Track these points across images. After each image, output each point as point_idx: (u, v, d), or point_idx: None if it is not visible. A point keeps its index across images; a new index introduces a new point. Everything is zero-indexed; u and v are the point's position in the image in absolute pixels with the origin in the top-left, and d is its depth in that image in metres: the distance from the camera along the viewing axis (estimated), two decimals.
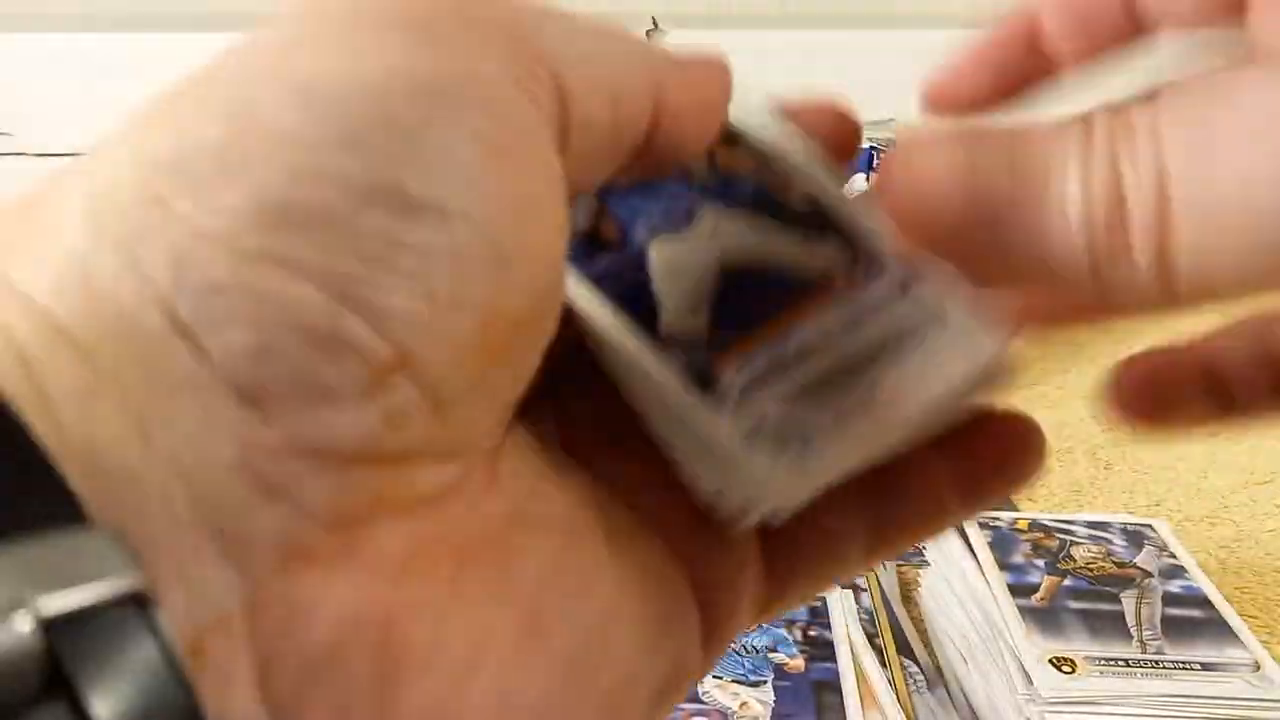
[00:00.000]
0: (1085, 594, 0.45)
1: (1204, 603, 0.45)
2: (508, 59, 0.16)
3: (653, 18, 0.76)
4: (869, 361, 0.20)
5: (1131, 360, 0.22)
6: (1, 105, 0.76)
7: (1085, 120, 0.17)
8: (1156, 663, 0.42)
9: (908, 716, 0.40)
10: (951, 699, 0.42)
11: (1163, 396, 0.22)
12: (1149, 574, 0.47)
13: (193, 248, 0.14)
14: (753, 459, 0.19)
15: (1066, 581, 0.46)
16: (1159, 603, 0.45)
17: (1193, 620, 0.45)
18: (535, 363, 0.17)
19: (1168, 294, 0.16)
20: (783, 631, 0.45)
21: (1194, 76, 0.16)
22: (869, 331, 0.20)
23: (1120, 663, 0.42)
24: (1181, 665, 0.42)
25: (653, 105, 0.18)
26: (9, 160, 0.78)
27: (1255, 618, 0.45)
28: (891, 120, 0.60)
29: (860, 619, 0.45)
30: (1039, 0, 0.23)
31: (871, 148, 0.56)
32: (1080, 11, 0.22)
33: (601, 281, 0.21)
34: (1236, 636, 0.44)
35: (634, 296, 0.21)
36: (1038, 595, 0.45)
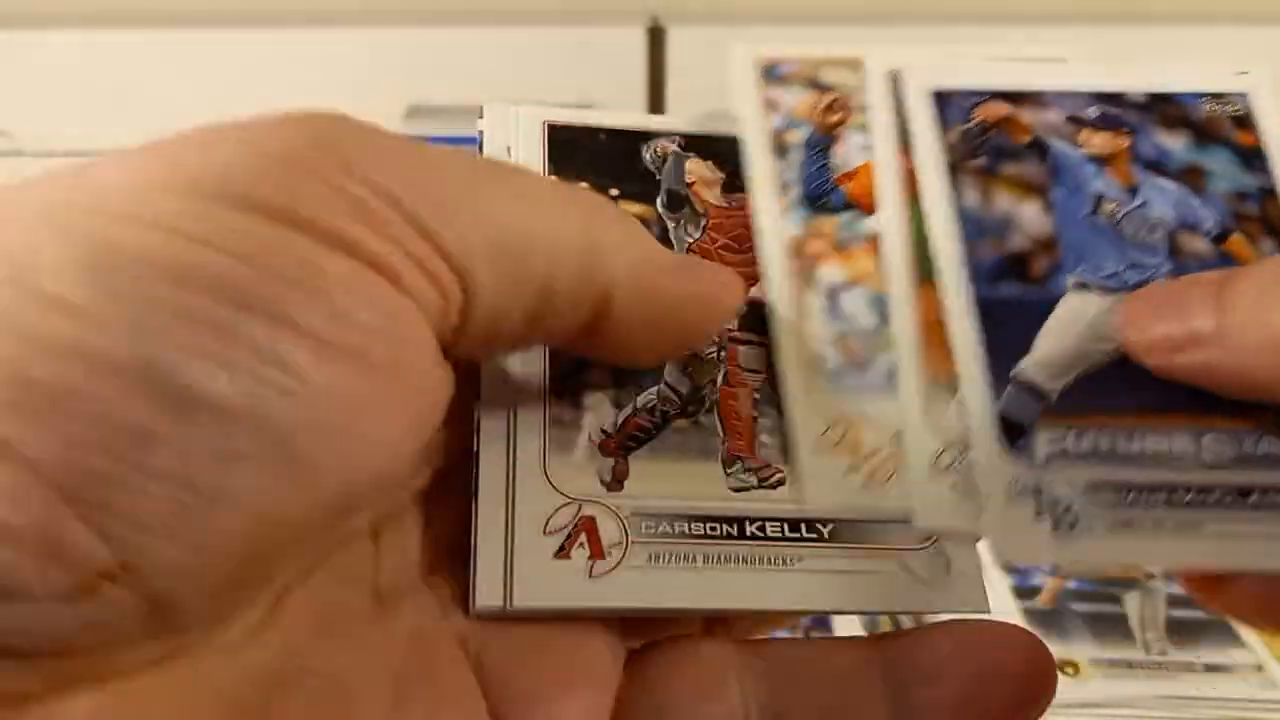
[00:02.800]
0: (1088, 596, 0.45)
1: None
2: (382, 238, 0.14)
3: (653, 16, 0.76)
4: (1211, 503, 0.19)
5: None
6: None
7: None
8: (1160, 664, 0.42)
9: None
10: None
11: None
12: (1152, 575, 0.47)
13: None
14: (1010, 514, 0.19)
15: (1069, 583, 0.46)
16: (1162, 604, 0.45)
17: (1196, 622, 0.45)
18: (330, 549, 0.16)
19: None
20: (785, 634, 0.44)
21: None
22: (1233, 477, 0.19)
23: (1124, 665, 0.42)
24: (1185, 667, 0.42)
25: (591, 308, 0.17)
26: (7, 160, 0.77)
27: None
28: None
29: (861, 620, 0.45)
30: None
31: None
32: None
33: (996, 307, 0.20)
34: (1240, 638, 0.44)
35: (1016, 330, 0.20)
36: (1041, 597, 0.45)
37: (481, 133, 0.22)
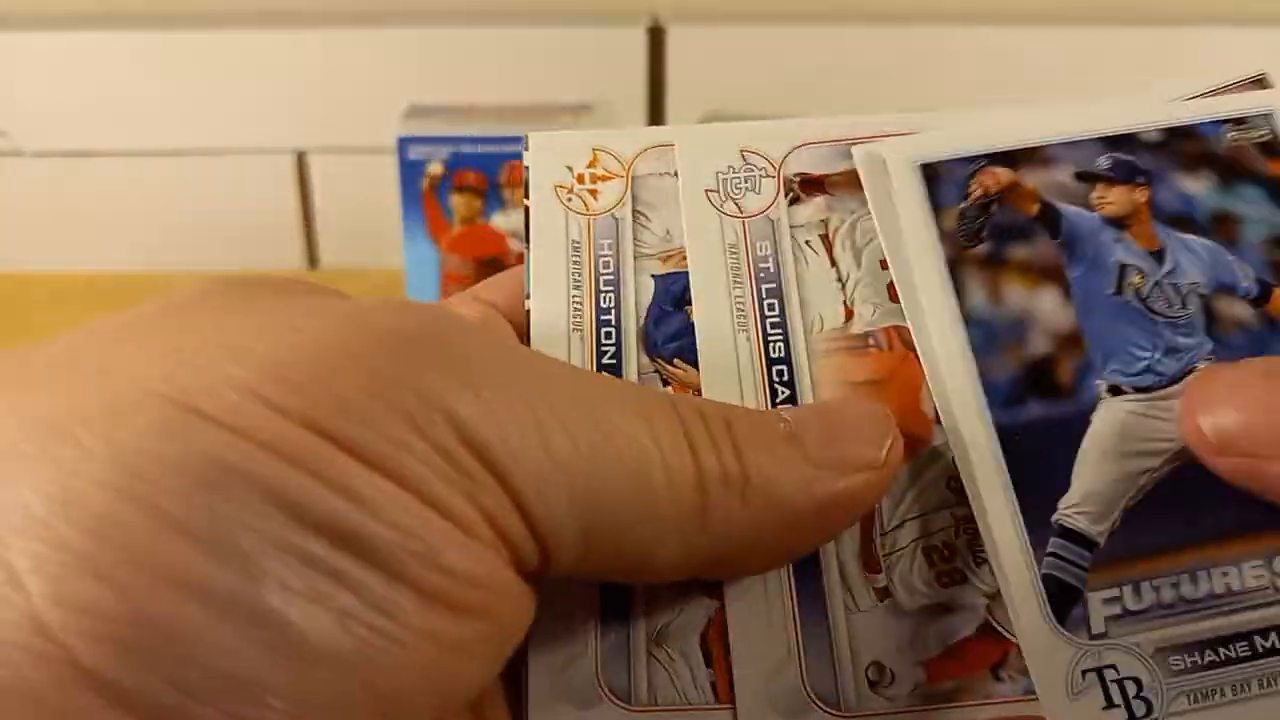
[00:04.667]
0: None
1: None
2: (465, 499, 0.14)
3: (653, 16, 0.76)
4: None
5: None
6: None
7: None
8: None
9: None
10: None
11: None
12: None
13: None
14: (1075, 705, 0.15)
15: None
16: None
17: None
18: None
19: None
20: None
21: None
22: None
23: None
24: None
25: (707, 559, 0.16)
26: (6, 159, 0.77)
27: None
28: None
29: None
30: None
31: None
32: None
33: (1021, 437, 0.17)
34: None
35: (1049, 462, 0.17)
36: None
37: (676, 170, 0.20)
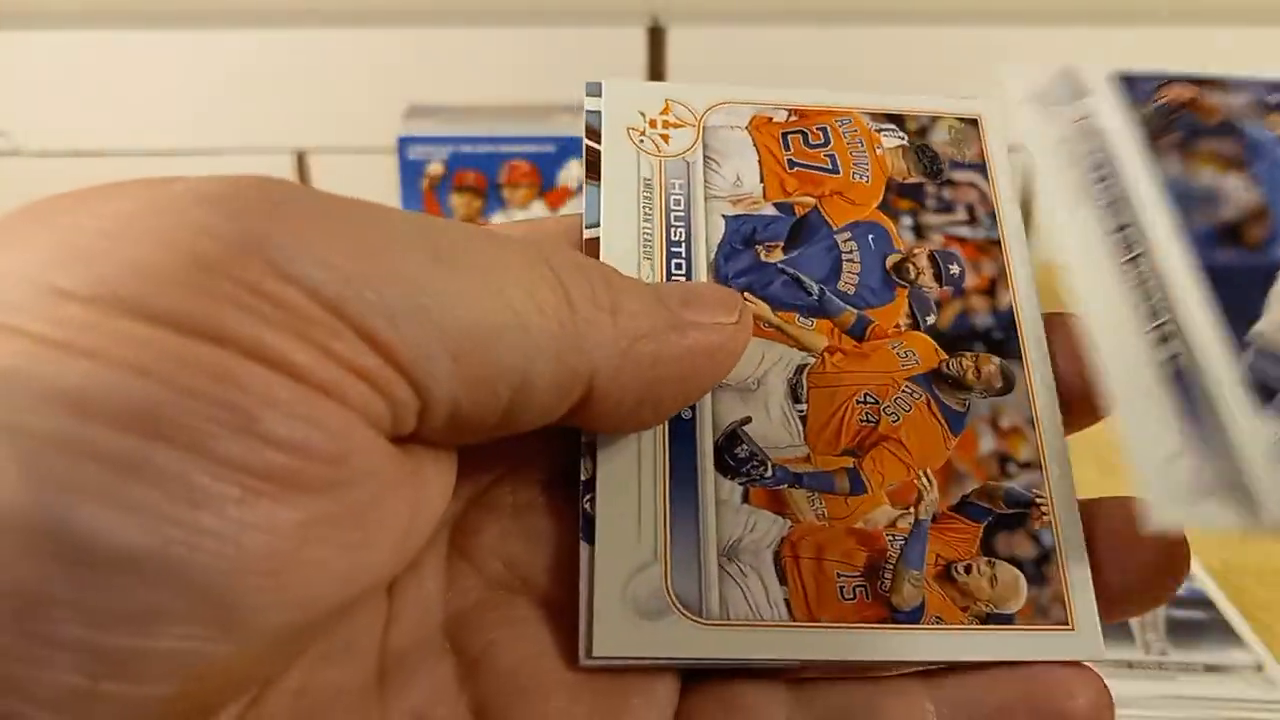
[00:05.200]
0: None
1: (1207, 604, 0.45)
2: (316, 350, 0.13)
3: (654, 14, 0.76)
4: None
5: None
6: None
7: None
8: (1160, 665, 0.42)
9: None
10: None
11: None
12: None
13: None
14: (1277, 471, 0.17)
15: None
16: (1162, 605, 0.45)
17: (1196, 622, 0.45)
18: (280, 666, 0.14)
19: None
20: None
21: None
22: None
23: (1124, 665, 0.42)
24: (1184, 667, 0.42)
25: (576, 392, 0.16)
26: (6, 159, 0.77)
27: (1258, 619, 0.45)
28: None
29: None
30: None
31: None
32: None
33: (1220, 273, 0.19)
34: (1239, 638, 0.44)
35: (1243, 295, 0.19)
36: None
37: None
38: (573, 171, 0.57)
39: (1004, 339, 0.20)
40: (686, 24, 0.75)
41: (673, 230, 0.20)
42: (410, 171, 0.60)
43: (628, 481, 0.18)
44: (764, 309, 0.20)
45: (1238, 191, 0.21)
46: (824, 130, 0.22)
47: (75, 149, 0.77)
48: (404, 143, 0.59)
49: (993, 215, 0.21)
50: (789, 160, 0.21)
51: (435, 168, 0.60)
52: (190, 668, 0.12)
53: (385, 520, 0.14)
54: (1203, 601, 0.45)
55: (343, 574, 0.14)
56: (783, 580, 0.18)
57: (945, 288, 0.20)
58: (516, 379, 0.15)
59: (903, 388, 0.19)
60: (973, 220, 0.21)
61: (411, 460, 0.15)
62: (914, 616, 0.18)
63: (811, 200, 0.21)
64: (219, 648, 0.12)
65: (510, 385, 0.15)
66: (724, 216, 0.20)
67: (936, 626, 0.18)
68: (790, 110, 0.22)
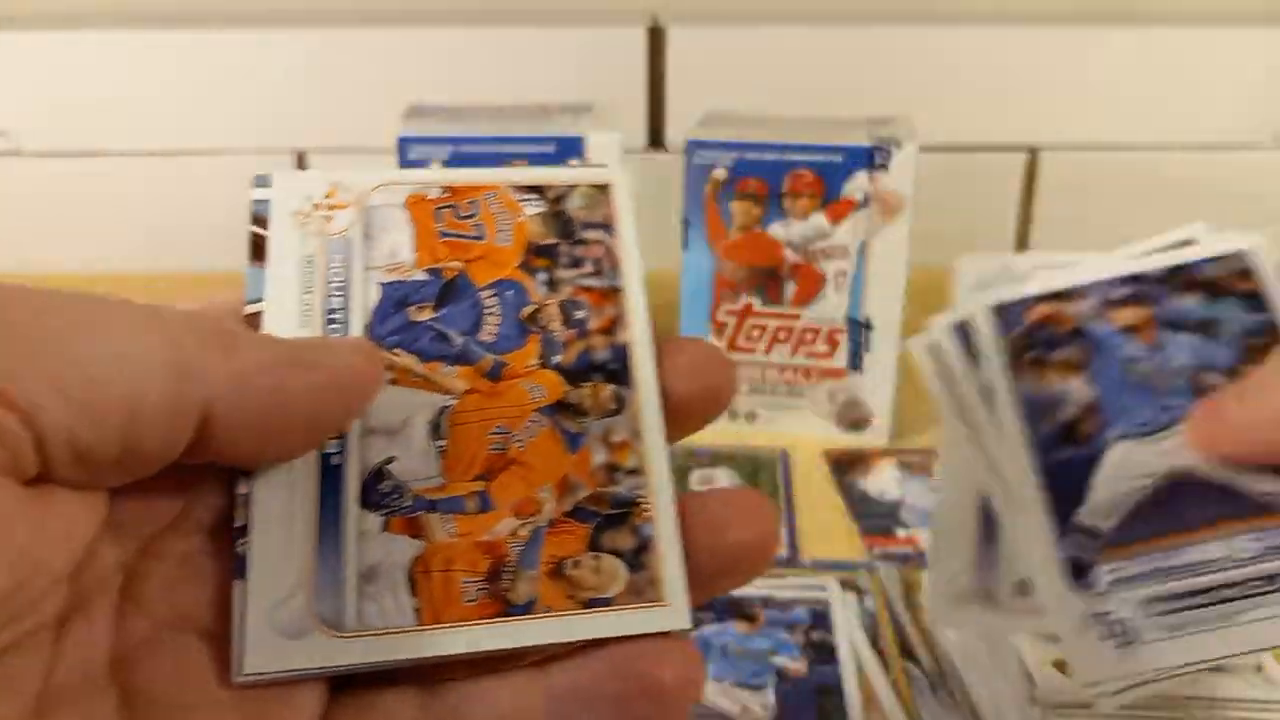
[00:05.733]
0: None
1: None
2: None
3: (653, 14, 0.76)
4: (1246, 595, 0.23)
5: None
6: None
7: None
8: None
9: (909, 718, 0.40)
10: (955, 702, 0.42)
11: None
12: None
13: None
14: (1082, 641, 0.23)
15: None
16: None
17: None
18: None
19: None
20: (784, 635, 0.44)
21: None
22: (1262, 568, 0.24)
23: None
24: (1183, 667, 0.42)
25: (192, 423, 0.17)
26: (6, 159, 0.77)
27: None
28: (893, 119, 0.59)
29: (862, 622, 0.45)
30: None
31: (873, 147, 0.56)
32: None
33: (1053, 469, 0.26)
34: None
35: (1068, 485, 0.26)
36: None
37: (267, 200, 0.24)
38: None
39: (619, 369, 0.23)
40: (686, 24, 0.75)
41: (332, 300, 0.23)
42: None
43: (278, 524, 0.20)
44: (412, 361, 0.22)
45: (1077, 392, 0.28)
46: (473, 203, 0.25)
47: (76, 149, 0.77)
48: (404, 142, 0.59)
49: (616, 266, 0.24)
50: (441, 231, 0.24)
51: (436, 168, 0.60)
52: None
53: (10, 551, 0.16)
54: None
55: None
56: (414, 592, 0.20)
57: (571, 330, 0.23)
58: (126, 408, 0.17)
59: (530, 418, 0.22)
60: (599, 272, 0.24)
61: (41, 497, 0.17)
62: (527, 609, 0.20)
63: (459, 265, 0.24)
64: None
65: (121, 414, 0.17)
66: (380, 284, 0.23)
67: (546, 615, 0.20)
68: (444, 188, 0.25)
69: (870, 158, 0.56)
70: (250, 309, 0.22)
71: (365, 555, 0.20)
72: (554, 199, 0.25)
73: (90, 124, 0.77)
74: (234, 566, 0.20)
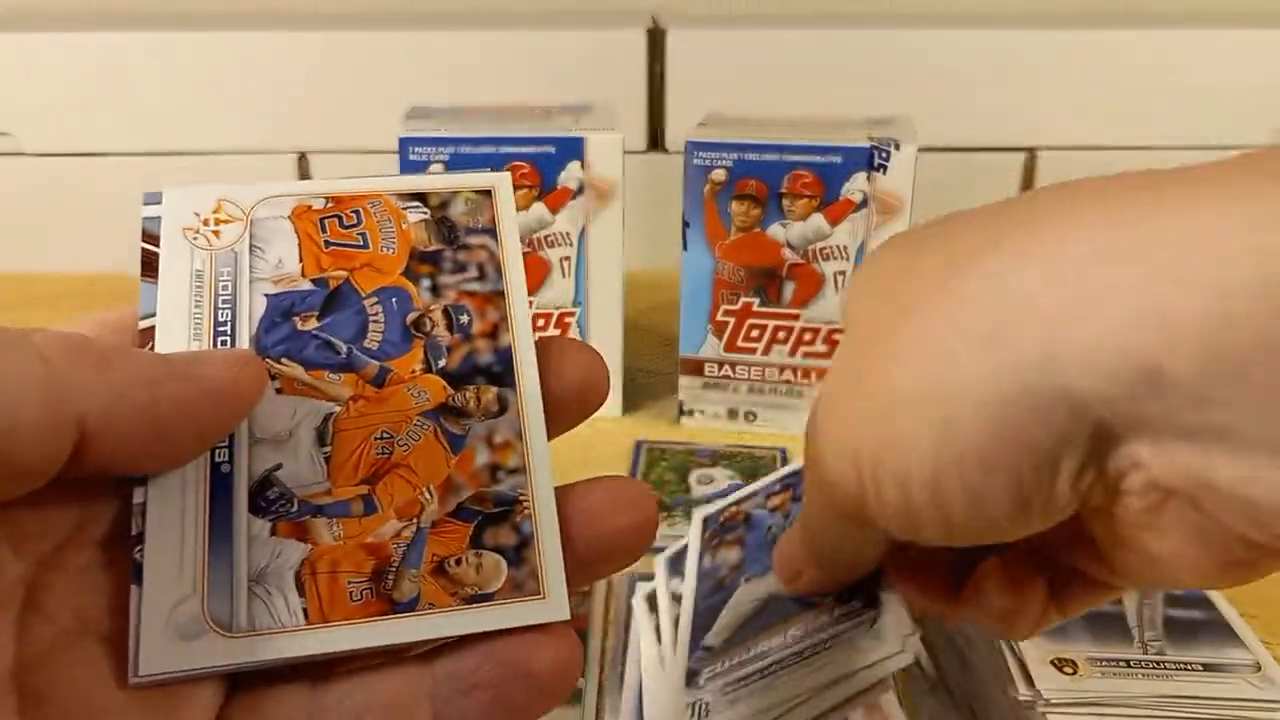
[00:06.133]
0: None
1: (1205, 603, 0.45)
2: None
3: (653, 16, 0.76)
4: (785, 668, 0.30)
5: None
6: (0, 104, 0.76)
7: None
8: (1158, 663, 0.42)
9: (909, 718, 0.40)
10: (953, 701, 0.42)
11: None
12: None
13: None
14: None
15: None
16: (1160, 603, 0.45)
17: (1194, 621, 0.45)
18: None
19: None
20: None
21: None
22: (800, 645, 0.31)
23: (1122, 663, 0.42)
24: (1183, 666, 0.42)
25: (69, 435, 0.18)
26: (8, 159, 0.77)
27: (1256, 617, 0.45)
28: (892, 119, 0.60)
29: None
30: None
31: (873, 147, 0.56)
32: None
33: (700, 611, 0.34)
34: (1238, 637, 0.44)
35: (707, 620, 0.34)
36: None
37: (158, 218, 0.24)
38: (573, 173, 0.57)
39: (502, 371, 0.24)
40: (686, 26, 0.76)
41: (220, 312, 0.23)
42: (411, 172, 0.61)
43: (172, 531, 0.21)
44: (297, 370, 0.23)
45: (733, 557, 0.37)
46: (357, 212, 0.25)
47: (78, 150, 0.77)
48: (405, 143, 0.59)
49: (499, 270, 0.25)
50: (325, 241, 0.24)
51: (436, 169, 0.60)
52: None
53: None
54: (1201, 601, 0.45)
55: None
56: (302, 593, 0.21)
57: (456, 335, 0.24)
58: (1, 427, 0.17)
59: (414, 421, 0.23)
60: (482, 276, 0.25)
61: None
62: (410, 606, 0.21)
63: (344, 274, 0.24)
64: None
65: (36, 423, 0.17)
66: (266, 295, 0.24)
67: (429, 611, 0.21)
68: (328, 198, 0.25)
69: (869, 158, 0.56)
70: (144, 324, 0.23)
71: (255, 559, 0.21)
72: (437, 205, 0.25)
73: (90, 124, 0.77)
74: (131, 573, 0.20)
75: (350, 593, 0.21)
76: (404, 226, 0.25)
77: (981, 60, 0.76)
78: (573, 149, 0.56)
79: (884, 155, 0.56)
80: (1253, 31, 0.76)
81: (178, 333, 0.23)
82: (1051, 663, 0.42)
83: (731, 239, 0.58)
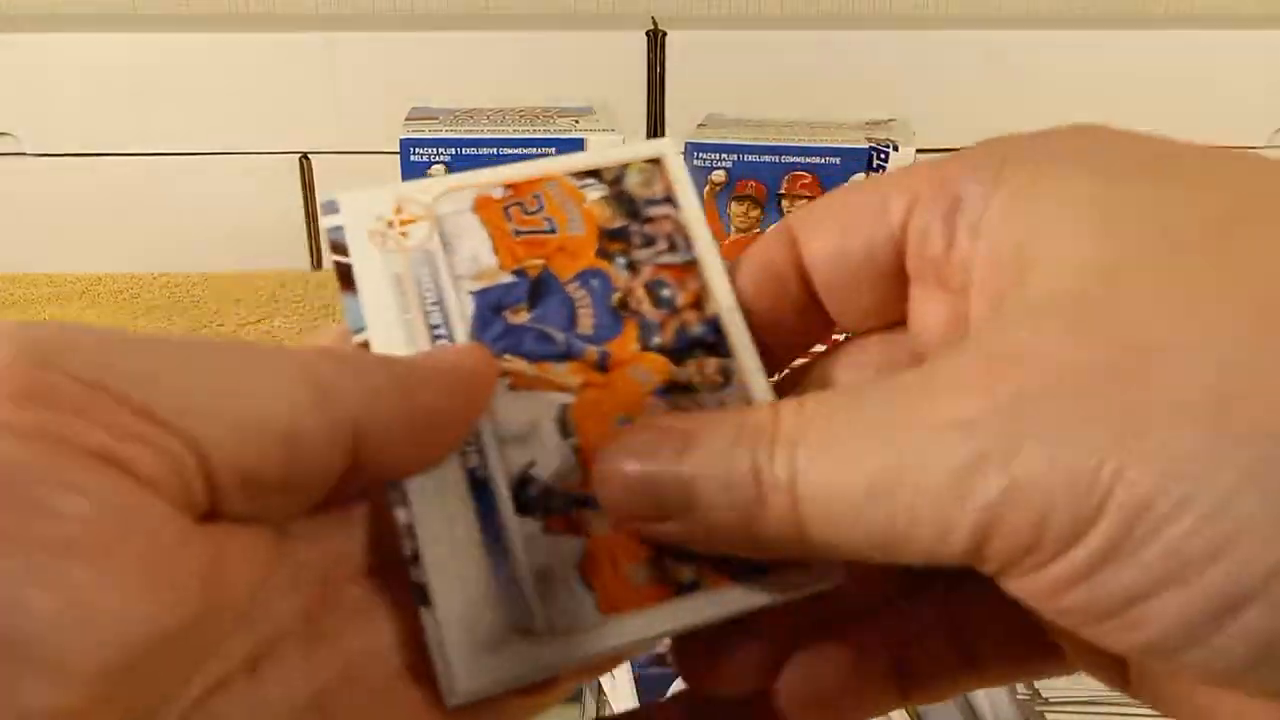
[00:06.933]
0: None
1: None
2: (84, 422, 0.15)
3: (653, 18, 0.76)
4: None
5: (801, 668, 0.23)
6: (2, 105, 0.77)
7: (738, 424, 0.19)
8: None
9: (910, 717, 0.40)
10: (955, 702, 0.42)
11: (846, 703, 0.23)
12: None
13: None
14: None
15: None
16: None
17: None
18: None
19: (804, 551, 0.19)
20: None
21: (840, 391, 0.20)
22: None
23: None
24: None
25: (347, 442, 0.18)
26: (9, 160, 0.78)
27: None
28: (891, 120, 0.60)
29: None
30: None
31: (871, 148, 0.56)
32: (767, 315, 0.24)
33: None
34: None
35: None
36: None
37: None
38: None
39: (715, 341, 0.23)
40: (685, 27, 0.76)
41: (430, 315, 0.23)
42: (413, 174, 0.61)
43: (447, 546, 0.20)
44: (522, 364, 0.22)
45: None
46: (537, 197, 0.24)
47: (79, 151, 0.77)
48: (406, 145, 0.60)
49: (687, 239, 0.24)
50: (514, 230, 0.24)
51: (438, 170, 0.61)
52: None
53: (175, 577, 0.16)
54: None
55: (140, 618, 0.15)
56: (589, 587, 0.21)
57: (662, 310, 0.23)
58: (287, 434, 0.17)
59: (649, 402, 0.22)
60: (673, 248, 0.24)
61: (215, 532, 0.17)
62: (693, 587, 0.21)
63: (540, 262, 0.24)
64: (47, 699, 0.14)
65: (282, 441, 0.17)
66: (471, 293, 0.23)
67: (710, 590, 0.21)
68: (505, 185, 0.24)
69: (868, 160, 0.56)
70: (358, 338, 0.22)
71: (534, 559, 0.21)
72: (612, 180, 0.25)
73: (91, 124, 0.77)
74: (414, 595, 0.20)
75: (634, 580, 0.21)
76: (585, 206, 0.24)
77: (980, 61, 0.76)
78: (574, 150, 0.56)
79: (882, 156, 0.56)
80: (1253, 32, 0.76)
81: (396, 342, 0.22)
82: None
83: (731, 239, 0.59)
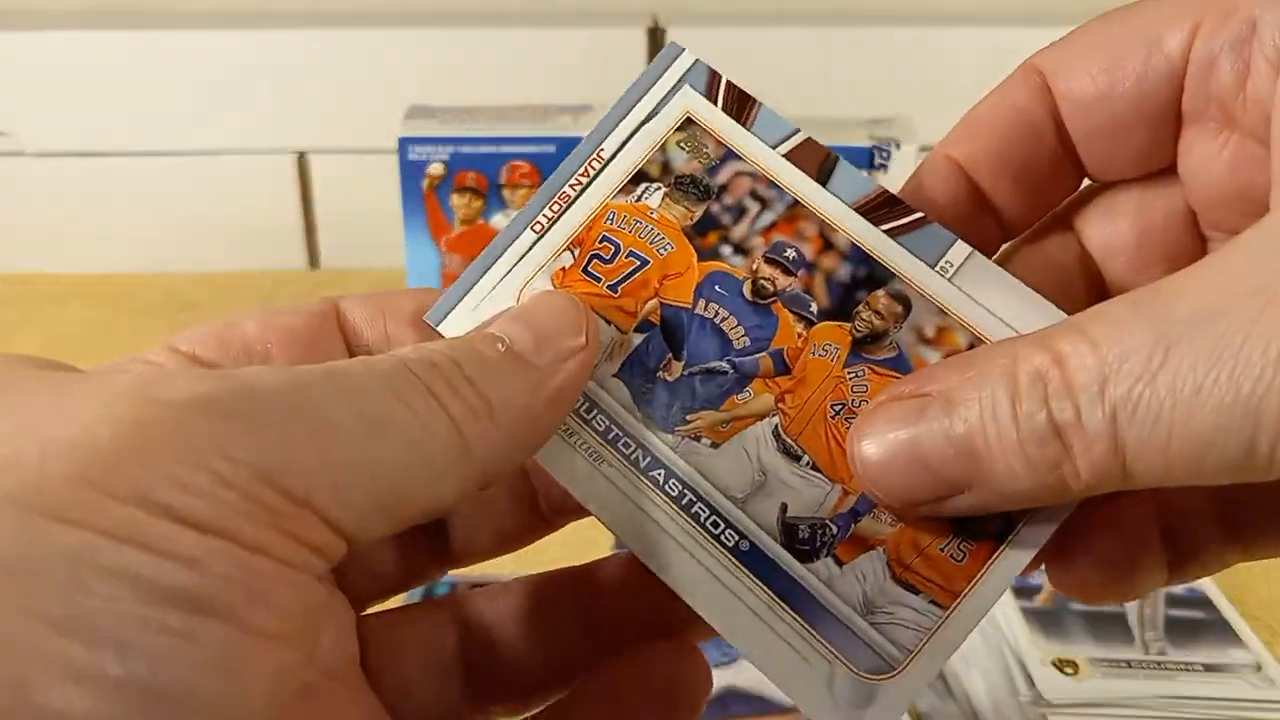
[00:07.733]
0: None
1: (1206, 603, 0.45)
2: (258, 525, 0.15)
3: (654, 15, 0.76)
4: None
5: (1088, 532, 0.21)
6: (0, 104, 0.76)
7: (1007, 373, 0.17)
8: (1159, 664, 0.42)
9: (911, 717, 0.40)
10: (955, 701, 0.42)
11: (1122, 567, 0.21)
12: None
13: None
14: None
15: None
16: (1161, 604, 0.45)
17: (1195, 621, 0.45)
18: None
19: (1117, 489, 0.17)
20: None
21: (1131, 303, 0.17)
22: None
23: (1123, 664, 0.42)
24: (1184, 666, 0.42)
25: (479, 486, 0.18)
26: (8, 159, 0.77)
27: (1257, 618, 0.45)
28: (892, 119, 0.60)
29: None
30: (964, 155, 0.22)
31: (873, 147, 0.56)
32: (1014, 167, 0.21)
33: None
34: (1239, 637, 0.44)
35: None
36: (1040, 596, 0.45)
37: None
38: None
39: (870, 270, 0.21)
40: (686, 25, 0.75)
41: (594, 423, 0.21)
42: (411, 172, 0.61)
43: (748, 624, 0.19)
44: (709, 415, 0.21)
45: None
46: (607, 239, 0.22)
47: (77, 149, 0.77)
48: (405, 143, 0.59)
49: (773, 184, 0.22)
50: (609, 287, 0.22)
51: (436, 168, 0.60)
52: None
53: (320, 641, 0.18)
54: (1202, 601, 0.45)
55: (288, 669, 0.16)
56: (914, 590, 0.19)
57: (800, 272, 0.21)
58: (425, 509, 0.18)
59: (848, 376, 0.21)
60: (763, 202, 0.22)
61: (327, 588, 0.18)
62: (1004, 533, 0.20)
63: (655, 302, 0.22)
64: None
65: (419, 515, 0.17)
66: (614, 377, 0.21)
67: (1020, 530, 0.20)
68: (569, 246, 0.22)
69: (870, 158, 0.56)
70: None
71: (848, 595, 0.20)
72: (660, 172, 0.22)
73: (90, 124, 0.77)
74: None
75: (951, 557, 0.19)
76: (654, 216, 0.22)
77: (983, 59, 0.76)
78: (573, 148, 0.56)
79: (884, 155, 0.56)
80: None
81: (556, 453, 0.21)
82: (1052, 663, 0.42)
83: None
